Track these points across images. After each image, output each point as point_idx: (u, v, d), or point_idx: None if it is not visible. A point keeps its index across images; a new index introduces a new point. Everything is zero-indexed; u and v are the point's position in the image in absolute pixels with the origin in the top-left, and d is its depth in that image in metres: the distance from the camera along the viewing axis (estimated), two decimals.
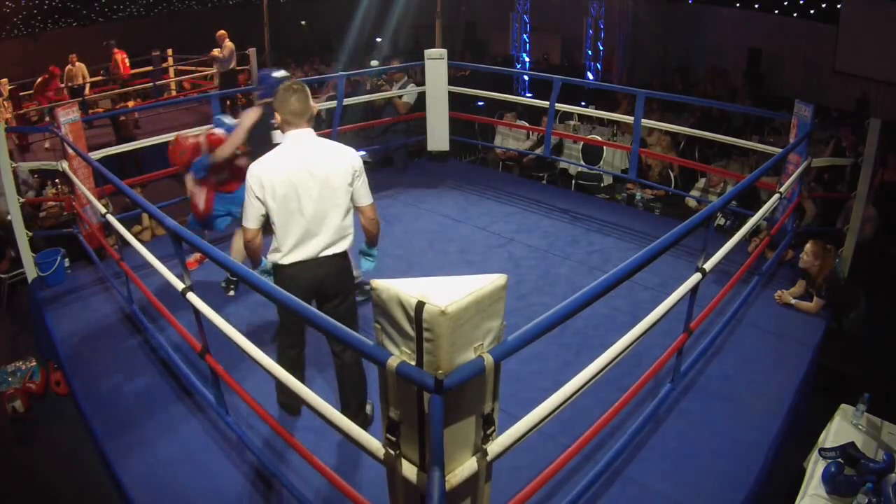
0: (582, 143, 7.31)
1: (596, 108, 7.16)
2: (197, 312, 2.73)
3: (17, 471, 3.71)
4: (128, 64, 10.83)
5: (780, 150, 4.48)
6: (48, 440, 3.90)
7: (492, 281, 1.58)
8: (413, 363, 1.53)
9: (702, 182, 6.22)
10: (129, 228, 3.60)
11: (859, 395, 3.24)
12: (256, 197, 2.70)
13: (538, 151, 6.87)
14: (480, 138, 8.40)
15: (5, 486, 3.60)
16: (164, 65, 11.85)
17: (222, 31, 10.44)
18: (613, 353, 2.27)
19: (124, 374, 3.66)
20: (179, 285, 2.79)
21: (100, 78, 11.13)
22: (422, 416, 1.57)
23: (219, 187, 4.21)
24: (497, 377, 1.65)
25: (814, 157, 4.76)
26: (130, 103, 10.30)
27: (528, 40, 13.79)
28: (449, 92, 6.69)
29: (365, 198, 2.87)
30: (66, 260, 4.81)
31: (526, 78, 12.46)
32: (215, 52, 10.47)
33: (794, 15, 10.82)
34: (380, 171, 7.20)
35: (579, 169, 7.19)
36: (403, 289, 1.53)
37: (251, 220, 2.76)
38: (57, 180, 6.50)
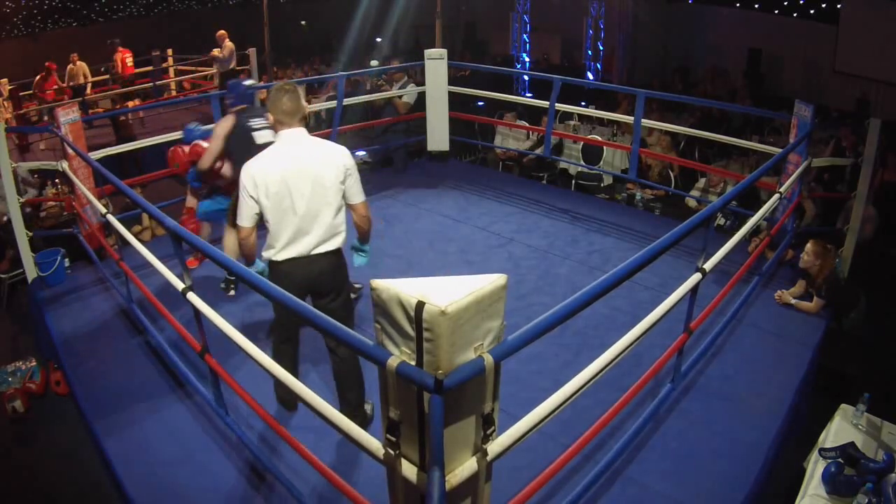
0: (582, 143, 7.32)
1: (596, 108, 7.16)
2: (197, 312, 2.74)
3: (17, 471, 3.71)
4: (129, 64, 10.81)
5: (780, 150, 4.48)
6: (48, 440, 3.90)
7: (492, 281, 1.58)
8: (413, 363, 1.53)
9: (702, 182, 6.22)
10: (129, 228, 3.60)
11: (859, 395, 3.24)
12: (250, 196, 2.75)
13: (538, 151, 6.87)
14: (480, 138, 8.40)
15: (5, 486, 3.60)
16: (164, 65, 11.84)
17: (222, 31, 10.44)
18: (613, 353, 2.27)
19: (124, 374, 3.66)
20: (179, 285, 2.79)
21: (101, 77, 11.12)
22: (422, 416, 1.57)
23: (217, 193, 4.28)
24: (497, 377, 1.65)
25: (814, 157, 4.76)
26: (130, 103, 10.29)
27: (528, 40, 13.79)
28: (449, 92, 6.69)
29: (357, 195, 2.90)
30: (66, 260, 4.81)
31: (526, 78, 12.46)
32: (215, 52, 10.47)
33: (794, 15, 10.82)
34: (380, 171, 7.21)
35: (579, 169, 7.19)
36: (403, 289, 1.53)
37: (245, 219, 2.81)
38: (57, 180, 6.50)
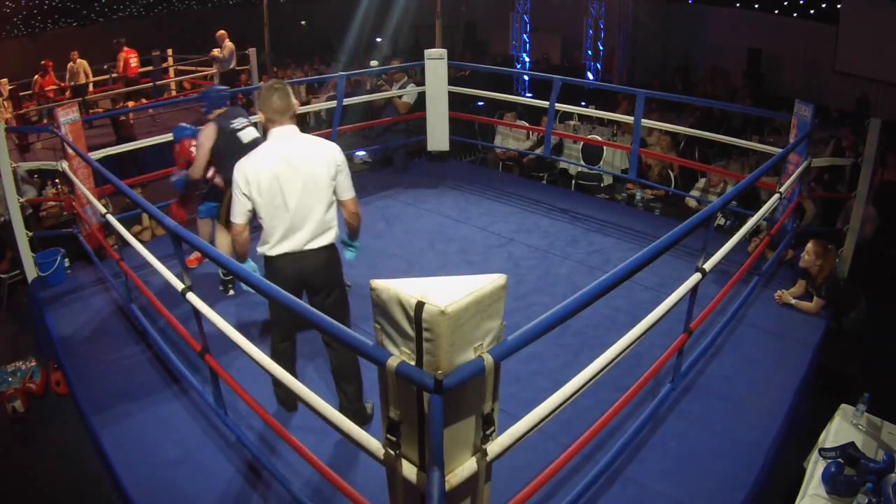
0: (582, 143, 7.31)
1: (596, 108, 7.16)
2: (196, 312, 2.74)
3: (17, 471, 3.71)
4: (134, 64, 10.80)
5: (780, 150, 4.47)
6: (48, 440, 3.91)
7: (492, 281, 1.58)
8: (413, 363, 1.53)
9: (702, 182, 6.21)
10: (128, 228, 3.60)
11: (859, 395, 3.24)
12: (243, 193, 2.80)
13: (538, 151, 6.87)
14: (480, 138, 8.40)
15: (5, 486, 3.60)
16: (164, 65, 11.84)
17: (222, 31, 10.43)
18: (613, 353, 2.27)
19: (124, 374, 3.66)
20: (179, 285, 2.79)
21: (103, 77, 11.12)
22: (422, 416, 1.57)
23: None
24: (497, 377, 1.65)
25: (814, 157, 4.76)
26: (131, 103, 10.29)
27: (528, 40, 13.80)
28: (449, 92, 6.69)
29: (347, 192, 2.95)
30: (66, 260, 4.81)
31: (526, 78, 12.46)
32: (215, 52, 10.46)
33: (794, 15, 10.82)
34: (380, 171, 7.22)
35: (579, 169, 7.19)
36: (403, 289, 1.53)
37: (238, 216, 2.86)
38: (57, 180, 6.50)
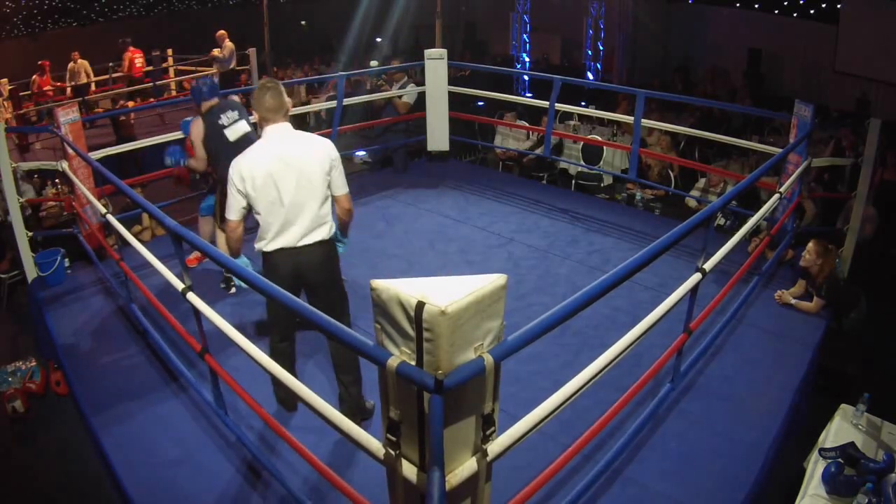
0: (582, 143, 7.31)
1: (596, 108, 7.16)
2: (197, 312, 2.74)
3: (17, 471, 3.71)
4: (139, 64, 10.80)
5: (780, 150, 4.47)
6: (48, 440, 3.90)
7: (492, 281, 1.57)
8: (413, 363, 1.53)
9: (702, 182, 6.21)
10: (129, 228, 3.60)
11: (859, 395, 3.24)
12: (238, 189, 2.84)
13: (538, 151, 6.87)
14: (480, 138, 8.40)
15: (5, 486, 3.60)
16: (164, 65, 11.85)
17: (222, 31, 10.43)
18: (613, 353, 2.27)
19: (124, 373, 3.66)
20: (179, 285, 2.79)
21: (103, 77, 11.12)
22: (422, 416, 1.57)
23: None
24: (497, 377, 1.65)
25: (814, 157, 4.75)
26: (130, 103, 10.29)
27: (528, 40, 13.80)
28: (449, 92, 6.69)
29: (341, 188, 2.99)
30: (66, 260, 4.81)
31: (526, 78, 12.46)
32: (215, 52, 10.46)
33: (794, 15, 10.82)
34: (380, 171, 7.22)
35: (579, 169, 7.19)
36: (403, 289, 1.53)
37: (233, 212, 2.91)
38: (57, 180, 6.50)
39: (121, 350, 3.91)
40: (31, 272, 4.69)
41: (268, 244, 2.91)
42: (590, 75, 12.88)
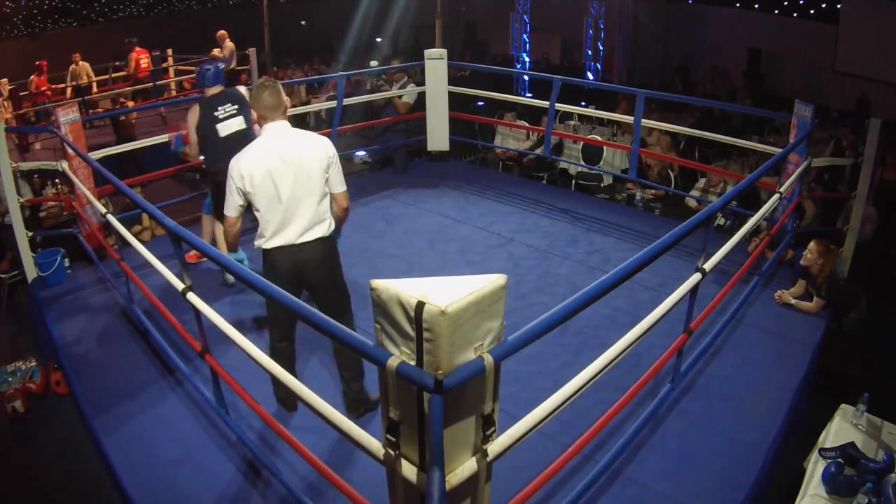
0: (582, 143, 7.31)
1: (596, 108, 7.16)
2: (197, 312, 2.74)
3: (17, 471, 3.71)
4: (144, 64, 10.81)
5: (780, 150, 4.47)
6: (48, 440, 3.90)
7: (492, 281, 1.57)
8: (413, 363, 1.53)
9: (702, 182, 6.21)
10: (128, 228, 3.60)
11: (859, 395, 3.24)
12: (237, 187, 2.88)
13: (538, 151, 6.87)
14: (480, 138, 8.40)
15: (5, 486, 3.60)
16: (165, 65, 11.84)
17: (223, 32, 10.43)
18: (613, 353, 2.27)
19: (124, 373, 3.66)
20: (179, 285, 2.79)
21: (103, 77, 11.12)
22: (422, 417, 1.57)
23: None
24: (497, 377, 1.65)
25: (814, 157, 4.75)
26: (130, 103, 10.28)
27: (528, 40, 13.80)
28: (449, 92, 6.69)
29: (338, 185, 3.02)
30: (66, 260, 4.81)
31: (526, 78, 12.46)
32: (215, 52, 10.46)
33: (794, 15, 10.82)
34: (380, 171, 7.22)
35: (579, 169, 7.19)
36: (403, 289, 1.53)
37: (231, 209, 2.97)
38: (57, 180, 6.50)
39: (121, 350, 3.91)
40: (31, 272, 4.69)
41: (267, 241, 2.94)
42: (590, 75, 12.88)
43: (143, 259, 3.17)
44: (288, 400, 3.22)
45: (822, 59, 10.28)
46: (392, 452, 1.67)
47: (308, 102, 9.19)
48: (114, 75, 11.23)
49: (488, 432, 1.68)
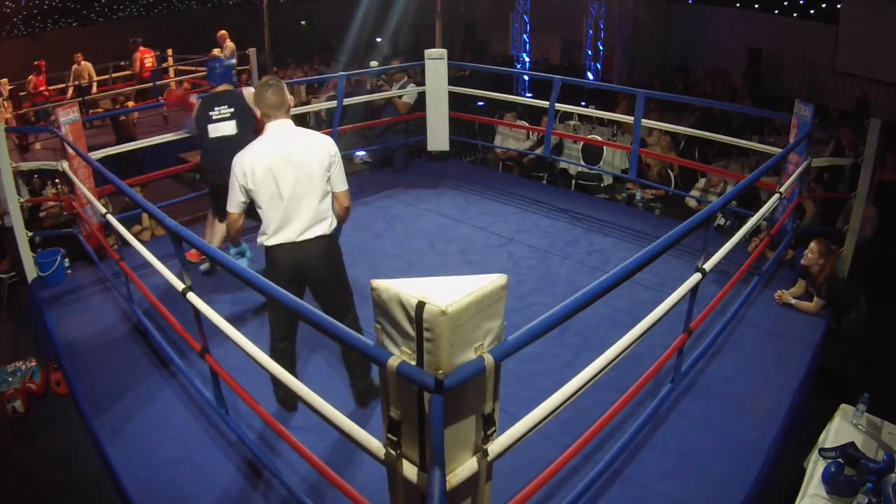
0: (582, 143, 7.32)
1: (596, 108, 7.17)
2: (197, 312, 2.74)
3: (17, 471, 3.71)
4: (149, 64, 10.81)
5: (780, 150, 4.47)
6: (48, 440, 3.91)
7: (492, 281, 1.58)
8: (413, 363, 1.53)
9: (702, 182, 6.22)
10: (128, 228, 3.60)
11: (859, 395, 3.24)
12: (240, 184, 2.91)
13: (538, 151, 6.87)
14: (480, 138, 8.40)
15: (5, 486, 3.60)
16: (165, 65, 11.84)
17: (223, 32, 10.44)
18: (613, 353, 2.27)
19: (124, 373, 3.66)
20: (179, 285, 2.79)
21: (103, 77, 11.12)
22: (422, 416, 1.57)
23: None
24: (497, 377, 1.65)
25: (814, 157, 4.76)
26: (130, 103, 10.28)
27: (528, 40, 13.80)
28: (449, 92, 6.69)
29: (340, 184, 3.04)
30: (66, 260, 4.81)
31: (526, 78, 12.46)
32: (215, 51, 10.46)
33: (794, 15, 10.83)
34: (380, 171, 7.21)
35: (579, 169, 7.19)
36: (403, 289, 1.53)
37: (233, 206, 3.01)
38: (57, 180, 6.50)
39: (121, 350, 3.91)
40: (31, 272, 4.68)
41: (269, 239, 2.96)
42: (590, 75, 12.88)
43: (143, 259, 3.17)
44: (288, 400, 3.23)
45: (822, 59, 10.28)
46: (392, 452, 1.67)
47: (308, 102, 9.18)
48: (114, 75, 11.22)
49: (488, 432, 1.68)
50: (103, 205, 4.15)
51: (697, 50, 12.07)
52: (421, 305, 1.47)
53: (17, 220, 4.57)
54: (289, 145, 2.89)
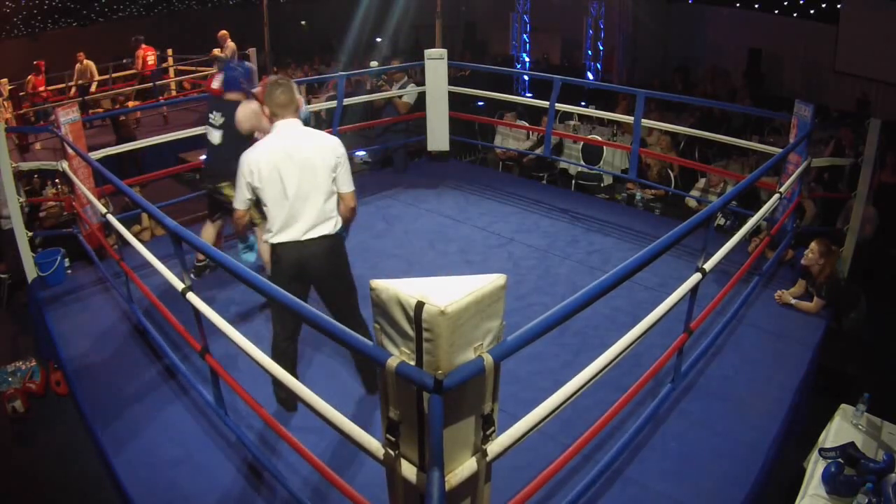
0: (582, 143, 7.31)
1: (596, 108, 7.16)
2: (197, 312, 2.74)
3: (17, 471, 3.71)
4: (151, 62, 10.81)
5: (780, 150, 4.47)
6: (48, 440, 3.90)
7: (491, 281, 1.57)
8: (413, 363, 1.53)
9: (702, 182, 6.21)
10: (128, 228, 3.60)
11: (859, 395, 3.24)
12: (246, 181, 2.96)
13: (538, 151, 6.87)
14: (480, 138, 8.40)
15: (5, 486, 3.60)
16: (165, 65, 11.84)
17: (224, 32, 10.44)
18: (613, 353, 2.27)
19: (124, 373, 3.66)
20: (179, 285, 2.79)
21: (105, 77, 11.12)
22: (421, 417, 1.57)
23: None
24: (497, 377, 1.65)
25: (814, 157, 4.75)
26: (130, 103, 10.28)
27: (528, 40, 13.79)
28: (449, 92, 6.69)
29: (346, 185, 3.07)
30: (66, 260, 4.81)
31: (526, 78, 12.46)
32: (216, 51, 10.47)
33: (794, 15, 10.82)
34: (380, 171, 7.22)
35: (579, 169, 7.19)
36: (403, 289, 1.53)
37: (239, 202, 3.07)
38: (57, 180, 6.50)
39: (121, 350, 3.91)
40: (31, 272, 4.68)
41: (273, 237, 3.00)
42: (590, 75, 12.87)
43: (142, 259, 3.18)
44: (288, 400, 3.23)
45: (822, 59, 10.27)
46: (392, 452, 1.67)
47: (308, 102, 9.17)
48: (114, 75, 11.22)
49: (488, 432, 1.68)
50: (103, 205, 4.15)
51: (697, 50, 12.07)
52: (420, 305, 1.47)
53: (17, 220, 4.56)
54: (295, 145, 2.92)
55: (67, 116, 4.60)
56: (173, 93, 11.69)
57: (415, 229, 5.51)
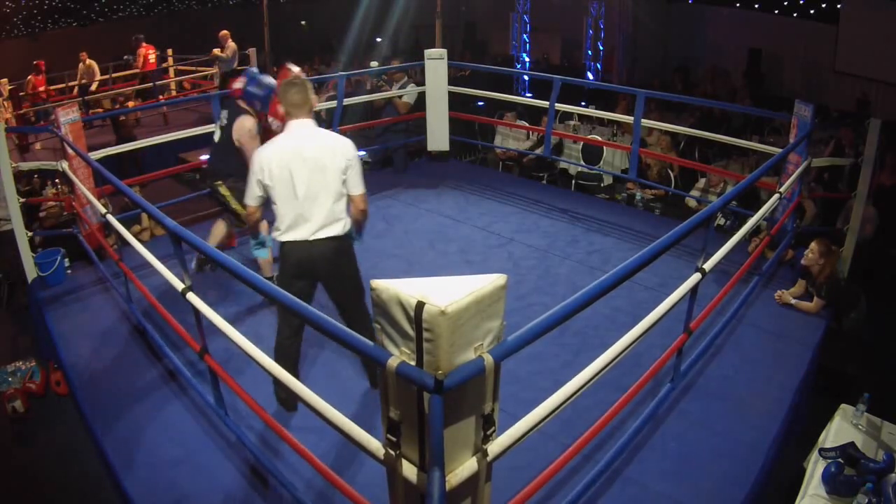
0: (582, 143, 7.31)
1: (596, 108, 7.16)
2: (196, 312, 2.74)
3: (17, 471, 3.71)
4: (152, 60, 10.83)
5: (780, 150, 4.47)
6: (48, 440, 3.90)
7: (492, 281, 1.57)
8: (413, 363, 1.53)
9: (702, 182, 6.21)
10: (128, 228, 3.60)
11: (859, 395, 3.24)
12: (257, 178, 2.99)
13: (538, 151, 6.87)
14: (480, 138, 8.40)
15: (5, 486, 3.60)
16: (165, 65, 11.84)
17: (225, 32, 10.44)
18: (613, 353, 2.27)
19: (124, 374, 3.66)
20: (179, 285, 2.79)
21: (105, 77, 11.13)
22: (422, 417, 1.57)
23: None
24: (497, 377, 1.65)
25: (814, 157, 4.75)
26: (130, 103, 10.29)
27: (528, 40, 13.79)
28: (449, 92, 6.69)
29: (356, 187, 3.06)
30: (66, 260, 4.81)
31: (526, 78, 12.46)
32: (216, 51, 10.48)
33: (794, 15, 10.82)
34: (380, 171, 7.21)
35: (579, 169, 7.19)
36: (403, 289, 1.53)
37: (250, 199, 3.10)
38: (57, 180, 6.50)
39: (121, 350, 3.91)
40: (31, 272, 4.68)
41: (282, 235, 3.02)
42: (590, 75, 12.87)
43: (142, 259, 3.17)
44: (288, 400, 3.23)
45: (822, 59, 10.27)
46: (392, 452, 1.67)
47: None
48: (114, 75, 11.23)
49: (488, 432, 1.68)
50: (103, 205, 4.15)
51: (697, 50, 12.07)
52: (420, 305, 1.47)
53: (16, 221, 4.56)
54: (307, 145, 2.93)
55: (67, 116, 4.60)
56: (173, 93, 11.69)
57: (415, 229, 5.51)
